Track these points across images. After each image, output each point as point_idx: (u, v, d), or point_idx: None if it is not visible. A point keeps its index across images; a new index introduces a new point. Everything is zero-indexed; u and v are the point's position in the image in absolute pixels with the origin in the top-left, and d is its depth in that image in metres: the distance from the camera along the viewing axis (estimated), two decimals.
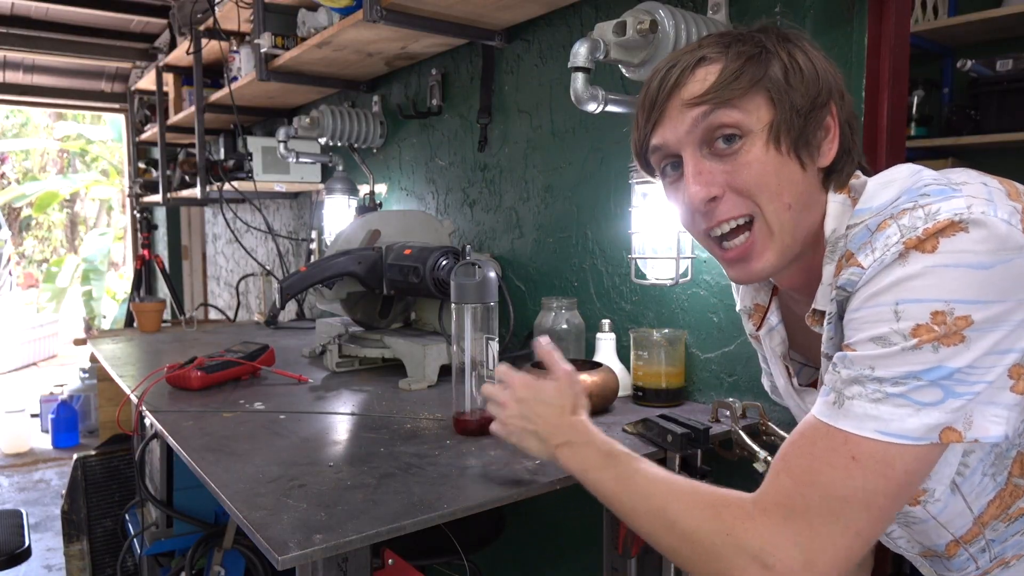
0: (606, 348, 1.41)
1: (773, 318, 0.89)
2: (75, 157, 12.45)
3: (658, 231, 1.23)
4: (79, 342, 2.77)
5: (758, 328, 0.92)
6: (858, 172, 0.78)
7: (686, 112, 0.74)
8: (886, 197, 0.70)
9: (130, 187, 4.27)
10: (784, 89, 0.72)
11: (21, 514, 1.96)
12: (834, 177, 0.76)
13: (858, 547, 0.64)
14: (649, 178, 1.19)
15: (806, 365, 0.91)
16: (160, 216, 5.20)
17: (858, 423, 0.63)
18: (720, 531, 0.67)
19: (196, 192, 2.80)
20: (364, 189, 2.43)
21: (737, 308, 0.98)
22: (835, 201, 0.75)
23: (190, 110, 2.93)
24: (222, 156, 2.81)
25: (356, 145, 2.33)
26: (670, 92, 0.75)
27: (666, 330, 1.34)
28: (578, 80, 1.10)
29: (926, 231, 0.62)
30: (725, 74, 0.73)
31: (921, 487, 0.73)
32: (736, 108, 0.72)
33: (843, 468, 0.63)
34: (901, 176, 0.71)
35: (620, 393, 1.32)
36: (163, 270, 4.10)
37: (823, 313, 0.75)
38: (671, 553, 0.72)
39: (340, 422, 1.25)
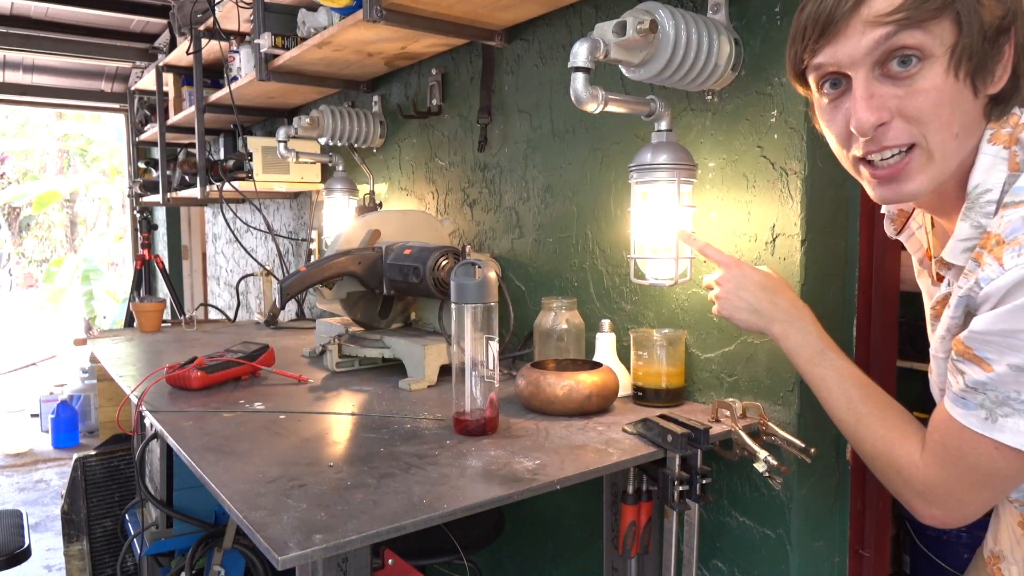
0: (606, 348, 1.41)
1: (914, 224, 0.92)
2: (75, 157, 12.46)
3: (658, 231, 1.23)
4: (79, 342, 2.77)
5: (898, 232, 0.95)
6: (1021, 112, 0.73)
7: (868, 31, 0.68)
8: None
9: (130, 187, 4.27)
10: (974, 9, 0.67)
11: (21, 514, 1.96)
12: (999, 107, 0.72)
13: (995, 500, 0.81)
14: (643, 180, 1.20)
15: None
16: (160, 216, 5.20)
17: (1013, 436, 0.70)
18: (892, 467, 0.82)
19: (196, 192, 2.79)
20: (364, 189, 2.43)
21: (882, 211, 0.98)
22: (987, 153, 0.72)
23: (190, 110, 2.93)
24: (222, 156, 2.81)
25: (356, 145, 2.33)
26: (853, 7, 0.69)
27: (666, 330, 1.34)
28: (578, 80, 1.10)
29: None
30: None
31: None
32: (923, 29, 0.67)
33: (988, 456, 0.73)
34: None
35: (620, 393, 1.32)
36: (163, 270, 4.10)
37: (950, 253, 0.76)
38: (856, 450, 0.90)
39: (340, 422, 1.25)
